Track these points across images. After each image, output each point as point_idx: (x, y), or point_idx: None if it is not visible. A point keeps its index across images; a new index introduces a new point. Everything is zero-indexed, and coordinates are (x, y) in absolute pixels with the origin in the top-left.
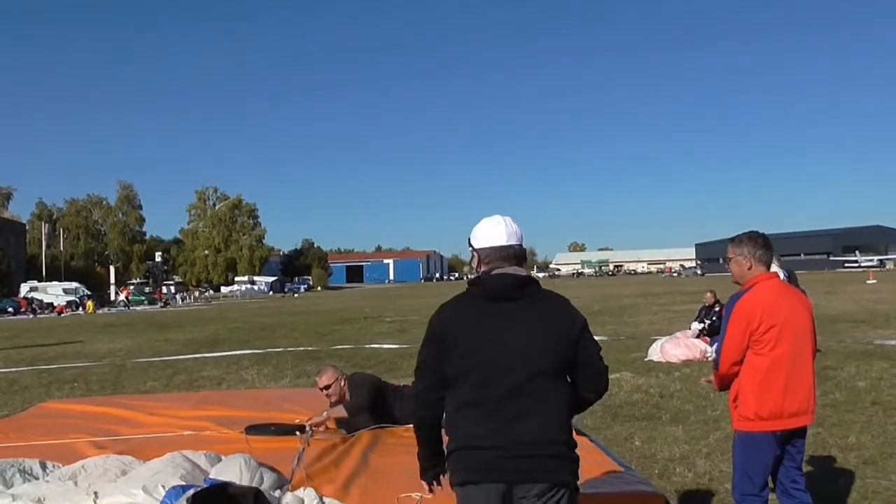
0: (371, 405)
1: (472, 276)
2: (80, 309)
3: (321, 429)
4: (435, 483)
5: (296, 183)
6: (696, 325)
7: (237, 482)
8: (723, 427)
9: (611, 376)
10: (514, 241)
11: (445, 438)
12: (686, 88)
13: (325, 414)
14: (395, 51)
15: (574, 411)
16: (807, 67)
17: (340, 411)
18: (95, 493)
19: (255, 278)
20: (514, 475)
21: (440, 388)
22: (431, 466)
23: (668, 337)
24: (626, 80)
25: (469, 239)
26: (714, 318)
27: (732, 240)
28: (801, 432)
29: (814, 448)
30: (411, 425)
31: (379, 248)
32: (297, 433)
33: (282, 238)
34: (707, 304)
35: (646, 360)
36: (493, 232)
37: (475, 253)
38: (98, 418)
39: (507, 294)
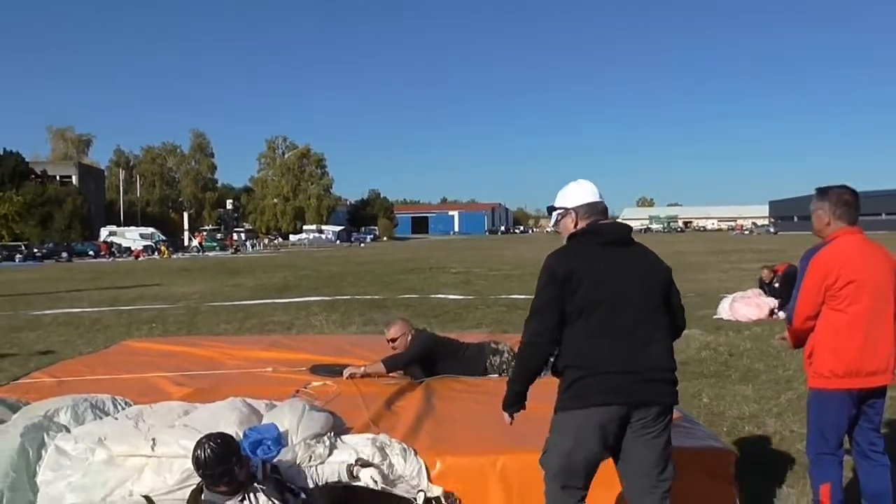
0: (416, 361)
1: (575, 230)
2: (156, 254)
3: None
4: (514, 416)
5: (364, 133)
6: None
7: (285, 427)
8: (795, 387)
9: None
10: (600, 199)
11: (544, 378)
12: (762, 41)
13: (362, 369)
14: (466, 7)
15: None
16: (886, 20)
17: (379, 368)
18: (154, 439)
19: (323, 227)
20: (642, 397)
21: (556, 328)
22: (518, 401)
23: (739, 294)
24: (702, 30)
25: (553, 205)
26: (778, 287)
27: (818, 190)
28: (879, 392)
29: (892, 411)
30: (474, 376)
31: (444, 200)
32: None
33: (349, 188)
34: (766, 281)
35: (715, 317)
36: (585, 191)
37: (572, 211)
38: (177, 356)
39: (622, 239)
